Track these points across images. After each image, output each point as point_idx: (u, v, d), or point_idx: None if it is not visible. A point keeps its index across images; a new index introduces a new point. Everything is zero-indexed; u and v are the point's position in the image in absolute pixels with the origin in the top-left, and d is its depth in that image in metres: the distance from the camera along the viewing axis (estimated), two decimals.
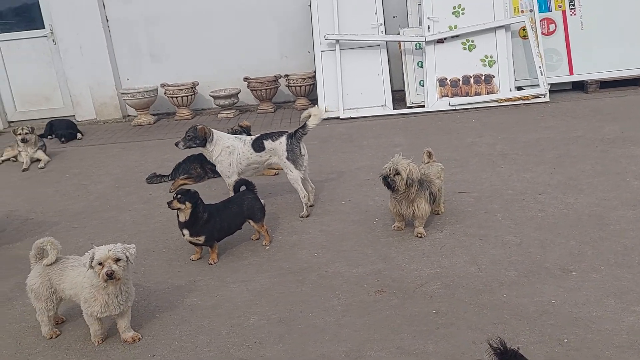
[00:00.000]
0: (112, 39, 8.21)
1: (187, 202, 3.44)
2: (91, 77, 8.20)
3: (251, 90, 7.98)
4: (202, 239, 3.55)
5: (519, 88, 7.38)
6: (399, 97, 7.67)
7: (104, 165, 6.14)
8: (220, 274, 3.50)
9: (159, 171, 5.54)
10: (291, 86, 7.95)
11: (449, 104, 7.15)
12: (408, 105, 7.47)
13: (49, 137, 7.46)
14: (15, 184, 5.82)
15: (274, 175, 5.19)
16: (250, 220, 3.75)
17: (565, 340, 2.59)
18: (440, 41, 7.36)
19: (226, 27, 8.16)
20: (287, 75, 7.96)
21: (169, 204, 3.47)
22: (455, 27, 7.32)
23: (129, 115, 8.36)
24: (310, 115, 4.20)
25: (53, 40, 8.19)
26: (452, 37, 7.34)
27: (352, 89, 7.37)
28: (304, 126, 4.19)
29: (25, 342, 2.96)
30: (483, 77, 7.27)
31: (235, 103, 8.06)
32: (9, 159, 6.55)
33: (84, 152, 6.82)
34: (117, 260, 2.61)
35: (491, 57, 7.27)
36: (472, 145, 5.63)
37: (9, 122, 8.52)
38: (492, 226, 3.82)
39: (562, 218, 3.84)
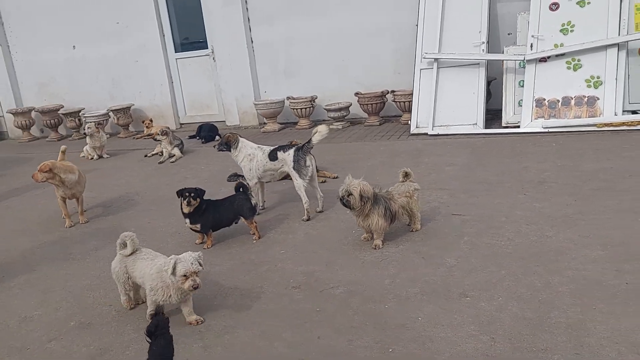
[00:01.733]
0: (255, 58, 9.65)
1: (197, 199, 4.38)
2: (237, 89, 9.77)
3: (360, 104, 8.64)
4: (198, 226, 4.46)
5: (634, 112, 6.69)
6: (496, 117, 7.55)
7: (213, 163, 7.45)
8: (207, 256, 4.35)
9: None
10: (397, 101, 8.39)
11: (542, 127, 6.84)
12: (503, 125, 7.33)
13: (197, 138, 9.17)
14: (146, 173, 7.49)
15: (334, 178, 5.87)
16: (241, 217, 4.53)
17: (391, 350, 2.85)
18: (543, 60, 7.09)
19: (351, 45, 8.94)
20: (393, 91, 8.43)
21: (188, 201, 4.35)
22: (562, 45, 6.97)
23: (264, 123, 9.71)
24: (317, 132, 4.79)
25: (213, 59, 9.96)
26: (557, 55, 7.01)
27: (445, 106, 7.52)
28: (309, 141, 4.81)
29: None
30: (586, 99, 6.79)
31: (346, 116, 8.81)
32: (156, 154, 8.33)
33: (210, 151, 8.26)
34: (197, 272, 3.11)
35: (598, 77, 6.75)
36: (522, 171, 5.48)
37: (181, 124, 10.61)
38: (448, 248, 3.96)
39: (522, 249, 3.79)
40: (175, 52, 10.34)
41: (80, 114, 10.84)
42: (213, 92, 10.18)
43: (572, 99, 6.85)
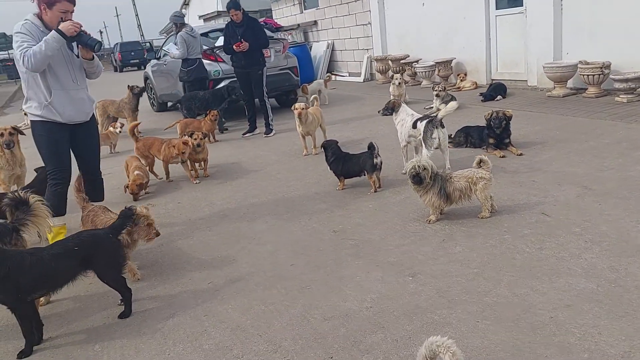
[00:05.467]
0: (563, 16, 9.01)
1: (326, 149, 5.55)
2: (540, 49, 9.42)
3: None
4: (335, 173, 5.59)
5: None
6: None
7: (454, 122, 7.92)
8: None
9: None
10: None
11: None
12: None
13: (491, 95, 9.43)
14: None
15: (519, 154, 5.82)
16: (365, 171, 5.40)
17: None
18: None
19: None
20: None
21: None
22: None
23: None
24: (445, 108, 5.10)
25: (525, 16, 9.79)
26: None
27: None
28: (436, 116, 5.15)
29: None
30: None
31: (636, 88, 7.54)
32: (431, 107, 9.24)
33: (462, 113, 8.62)
34: None
35: None
36: None
37: (492, 79, 10.93)
38: (493, 240, 3.85)
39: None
40: (497, 8, 10.52)
41: (413, 64, 12.44)
42: (522, 50, 10.05)
43: None
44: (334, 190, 5.53)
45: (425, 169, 4.25)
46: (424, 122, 5.28)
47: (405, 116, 5.63)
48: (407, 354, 2.72)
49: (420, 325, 2.96)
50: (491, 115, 6.02)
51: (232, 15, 8.38)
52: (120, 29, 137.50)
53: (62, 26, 4.00)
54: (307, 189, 5.70)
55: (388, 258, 3.85)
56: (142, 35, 60.73)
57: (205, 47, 10.54)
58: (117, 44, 43.23)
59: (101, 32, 79.31)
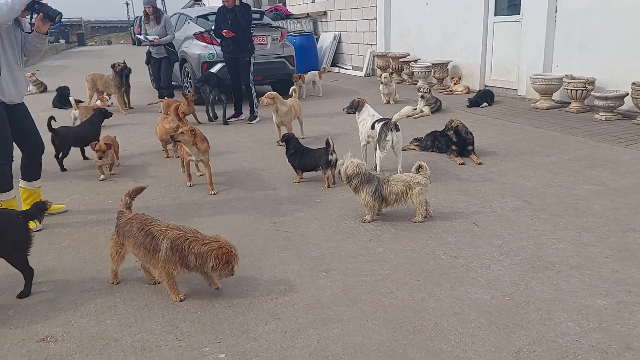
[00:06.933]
0: (556, 28, 8.97)
1: (284, 142, 5.66)
2: (530, 59, 9.40)
3: (633, 97, 7.24)
4: (293, 166, 5.70)
5: None
6: None
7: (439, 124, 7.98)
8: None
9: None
10: None
11: None
12: None
13: (477, 102, 9.44)
14: None
15: (478, 163, 5.90)
16: (320, 167, 5.50)
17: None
18: None
19: None
20: None
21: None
22: None
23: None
24: (400, 111, 5.17)
25: (520, 25, 9.75)
26: None
27: None
28: (390, 119, 5.23)
29: None
30: None
31: (618, 106, 7.53)
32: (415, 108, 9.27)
33: (446, 115, 8.66)
34: None
35: None
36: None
37: (485, 86, 10.90)
38: (415, 244, 3.96)
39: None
40: (495, 15, 10.48)
41: (410, 63, 12.44)
42: (515, 59, 10.02)
43: None
44: (291, 183, 5.64)
45: (357, 169, 4.37)
46: (380, 124, 5.37)
47: (367, 116, 5.72)
48: (291, 346, 2.84)
49: (313, 320, 3.07)
50: (449, 124, 6.15)
51: (224, 1, 8.48)
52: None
53: None
54: (267, 179, 5.82)
55: (312, 252, 3.96)
56: (166, 10, 60.97)
57: (202, 29, 10.67)
58: (136, 17, 43.43)
59: (127, 4, 79.78)
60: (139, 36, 10.41)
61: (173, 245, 3.16)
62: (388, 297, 3.27)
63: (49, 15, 4.17)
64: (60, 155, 6.44)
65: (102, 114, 7.21)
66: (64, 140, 6.43)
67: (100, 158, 5.99)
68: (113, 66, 10.25)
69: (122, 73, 10.19)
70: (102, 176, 6.08)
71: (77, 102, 8.74)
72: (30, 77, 13.34)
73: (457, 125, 6.09)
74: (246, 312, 3.19)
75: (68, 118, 8.58)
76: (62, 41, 45.55)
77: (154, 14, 9.75)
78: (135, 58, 15.37)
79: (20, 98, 4.43)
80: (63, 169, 6.45)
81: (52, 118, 6.22)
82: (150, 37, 9.78)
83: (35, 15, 4.20)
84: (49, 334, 3.05)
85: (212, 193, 5.38)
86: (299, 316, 3.12)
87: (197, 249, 3.15)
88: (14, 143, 4.43)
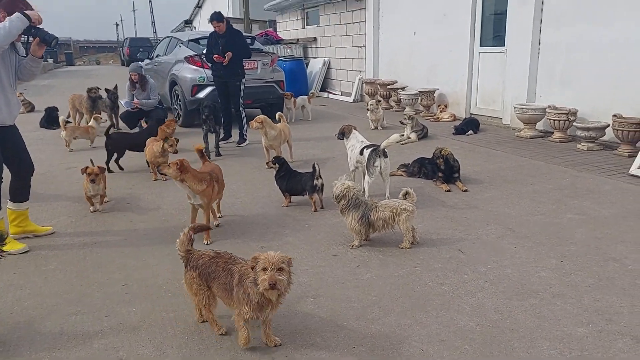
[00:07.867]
0: (539, 60, 9.22)
1: (277, 164, 5.72)
2: (515, 89, 9.63)
3: (614, 128, 7.44)
4: (280, 189, 5.75)
5: None
6: None
7: (425, 151, 8.10)
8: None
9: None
10: None
11: None
12: None
13: (463, 130, 9.60)
14: None
15: (463, 190, 5.99)
16: (305, 192, 5.56)
17: None
18: None
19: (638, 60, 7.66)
20: None
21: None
22: None
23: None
24: (388, 139, 5.28)
25: (506, 56, 10.01)
26: None
27: None
28: (378, 146, 5.33)
29: None
30: None
31: (599, 137, 7.73)
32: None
33: (434, 142, 8.81)
34: None
35: None
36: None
37: (471, 114, 11.10)
38: (402, 271, 4.01)
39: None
40: (481, 46, 10.74)
41: (398, 90, 12.65)
42: (500, 88, 10.25)
43: None
44: (280, 206, 5.68)
45: (344, 191, 4.45)
46: (368, 150, 5.46)
47: (355, 142, 5.81)
48: None
49: (300, 346, 3.10)
50: (438, 152, 6.26)
51: (215, 27, 8.61)
52: (135, 24, 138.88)
53: (30, 12, 4.04)
54: (254, 203, 5.86)
55: (300, 278, 3.98)
56: (155, 32, 61.45)
57: (192, 53, 10.79)
58: (126, 38, 43.81)
59: (117, 25, 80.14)
60: (121, 101, 10.57)
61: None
62: (375, 324, 3.31)
63: (45, 40, 4.25)
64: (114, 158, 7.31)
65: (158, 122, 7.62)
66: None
67: (92, 182, 5.47)
68: (89, 90, 10.53)
69: (96, 98, 10.52)
70: (91, 208, 5.68)
71: (66, 122, 8.75)
72: (18, 96, 13.34)
73: (447, 154, 6.19)
74: (233, 338, 3.20)
75: (56, 138, 8.57)
76: (51, 60, 45.49)
77: (140, 82, 9.81)
78: (125, 79, 15.41)
79: (12, 120, 4.46)
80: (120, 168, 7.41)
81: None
82: (132, 104, 9.85)
83: (31, 38, 4.26)
84: (36, 358, 3.03)
85: (206, 243, 4.65)
86: (286, 342, 3.14)
87: None
88: (3, 164, 4.44)
